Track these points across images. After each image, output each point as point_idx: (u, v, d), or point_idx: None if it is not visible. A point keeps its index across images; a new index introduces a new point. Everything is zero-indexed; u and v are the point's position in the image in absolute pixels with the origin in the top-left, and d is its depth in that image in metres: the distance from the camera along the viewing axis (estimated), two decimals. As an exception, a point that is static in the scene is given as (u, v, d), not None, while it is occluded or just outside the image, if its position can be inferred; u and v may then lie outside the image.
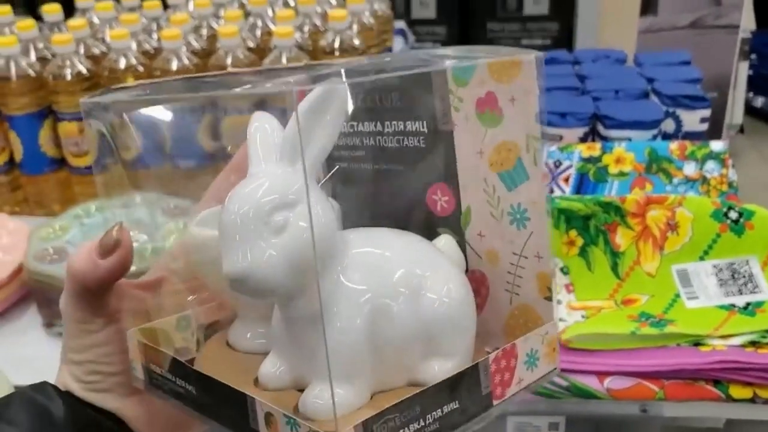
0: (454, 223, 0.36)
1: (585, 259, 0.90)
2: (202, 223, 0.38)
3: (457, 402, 0.30)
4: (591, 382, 0.79)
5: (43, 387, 0.38)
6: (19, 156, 1.17)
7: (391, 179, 0.32)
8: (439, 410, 0.29)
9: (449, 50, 0.34)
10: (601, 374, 0.79)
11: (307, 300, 0.30)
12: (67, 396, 0.38)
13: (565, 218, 0.89)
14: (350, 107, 0.30)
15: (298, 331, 0.31)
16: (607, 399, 0.79)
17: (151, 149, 0.45)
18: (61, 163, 1.19)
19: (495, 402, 0.32)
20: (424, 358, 0.32)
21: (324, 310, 0.29)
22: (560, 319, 0.85)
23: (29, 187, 1.20)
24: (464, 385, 0.30)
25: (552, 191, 1.06)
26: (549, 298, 0.35)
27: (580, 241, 0.90)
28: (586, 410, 0.83)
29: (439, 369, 0.32)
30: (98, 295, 0.38)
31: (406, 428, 0.28)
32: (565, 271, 0.90)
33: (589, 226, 0.90)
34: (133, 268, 0.38)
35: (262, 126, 0.32)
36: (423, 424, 0.28)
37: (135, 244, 0.37)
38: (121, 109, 0.38)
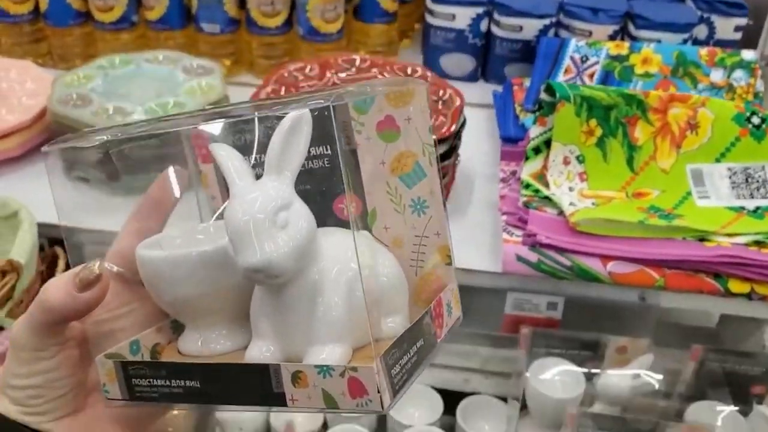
0: (362, 224, 0.45)
1: (602, 149, 0.90)
2: (149, 247, 0.42)
3: (422, 340, 0.39)
4: (594, 265, 0.81)
5: None
6: (44, 5, 1.16)
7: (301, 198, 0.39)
8: (415, 346, 0.38)
9: (353, 87, 0.41)
10: (605, 258, 0.81)
11: (303, 281, 0.37)
12: None
13: (587, 106, 0.89)
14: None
15: (292, 310, 0.37)
16: (609, 282, 0.81)
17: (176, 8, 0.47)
18: (86, 16, 1.18)
19: (438, 340, 0.41)
20: (380, 319, 0.40)
21: (314, 290, 0.37)
22: (570, 203, 0.86)
23: (53, 39, 1.20)
24: (423, 327, 0.39)
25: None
26: (449, 264, 0.44)
27: (598, 132, 0.90)
28: (585, 293, 0.85)
29: (397, 322, 0.41)
30: (62, 325, 0.40)
31: (401, 359, 0.37)
32: (580, 159, 0.90)
33: (610, 117, 0.90)
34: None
35: (229, 154, 0.38)
36: (409, 356, 0.37)
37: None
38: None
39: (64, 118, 0.92)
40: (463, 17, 1.16)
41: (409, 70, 0.98)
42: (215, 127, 0.42)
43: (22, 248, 0.76)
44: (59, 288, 0.38)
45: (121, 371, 0.40)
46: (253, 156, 0.42)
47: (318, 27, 1.14)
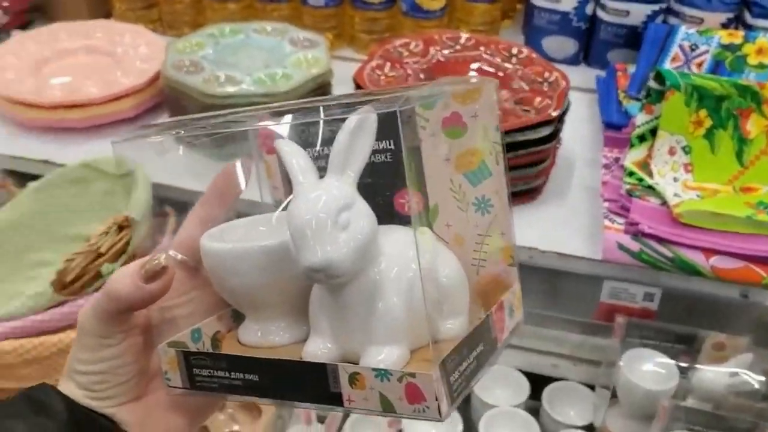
0: (423, 220, 0.44)
1: (710, 141, 0.88)
2: (213, 237, 0.43)
3: (482, 344, 0.38)
4: (697, 258, 0.79)
5: (43, 387, 0.41)
6: (157, -27, 1.20)
7: (360, 191, 0.37)
8: (475, 351, 0.38)
9: (420, 89, 0.40)
10: (709, 251, 0.79)
11: (362, 280, 0.37)
12: (66, 396, 0.41)
13: (698, 96, 0.87)
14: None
15: (351, 309, 0.37)
16: (711, 277, 0.79)
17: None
18: (197, -15, 1.22)
19: (498, 345, 0.40)
20: (439, 321, 0.39)
21: (373, 290, 0.37)
22: (674, 194, 0.84)
23: (164, 6, 1.24)
24: (484, 331, 0.39)
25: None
26: (512, 265, 0.44)
27: (708, 123, 0.88)
28: (685, 286, 0.83)
29: (457, 324, 0.39)
30: (128, 314, 0.41)
31: (460, 365, 0.36)
32: (686, 150, 0.88)
33: (721, 108, 0.87)
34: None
35: (293, 150, 0.39)
36: (468, 362, 0.37)
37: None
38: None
39: (176, 83, 0.95)
40: (569, 0, 1.15)
41: (514, 50, 0.97)
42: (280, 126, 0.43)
43: (137, 206, 0.80)
44: (126, 278, 0.40)
45: (182, 360, 0.41)
46: (317, 148, 0.43)
47: (421, 3, 1.14)
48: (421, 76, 0.93)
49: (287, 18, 1.20)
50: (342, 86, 1.01)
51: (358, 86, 0.90)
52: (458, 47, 0.98)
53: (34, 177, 0.94)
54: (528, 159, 0.86)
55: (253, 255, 0.41)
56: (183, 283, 0.43)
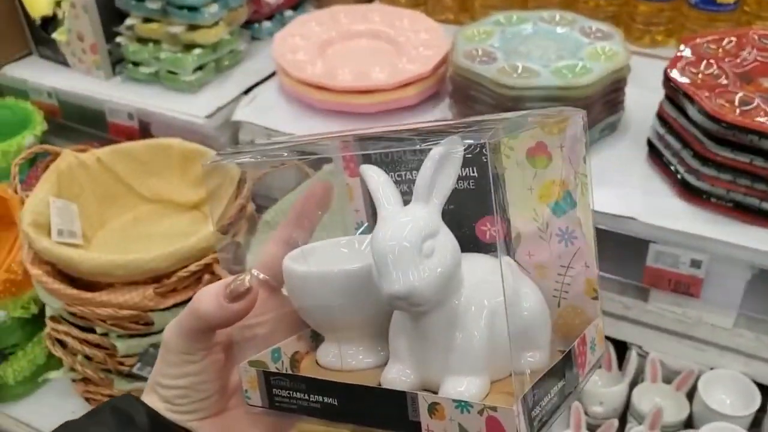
0: (506, 249, 0.42)
1: None
2: (295, 259, 0.44)
3: (564, 380, 0.38)
4: None
5: (128, 398, 0.42)
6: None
7: (443, 218, 0.37)
8: (556, 386, 0.37)
9: (509, 117, 0.40)
10: None
11: (444, 309, 0.37)
12: (149, 408, 0.42)
13: None
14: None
15: (431, 338, 0.37)
16: None
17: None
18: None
19: (580, 379, 0.40)
20: (520, 353, 0.39)
21: (455, 319, 0.37)
22: None
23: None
24: (567, 365, 0.38)
25: None
26: (595, 298, 0.42)
27: None
28: None
29: (537, 357, 0.39)
30: (212, 332, 0.41)
31: (542, 400, 0.35)
32: None
33: None
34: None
35: (379, 178, 0.39)
36: (549, 397, 0.36)
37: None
38: None
39: (468, 72, 0.94)
40: None
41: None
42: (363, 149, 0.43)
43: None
44: (211, 297, 0.40)
45: (263, 380, 0.42)
46: (401, 173, 0.43)
47: (715, -5, 1.07)
48: (737, 79, 0.86)
49: (559, 5, 1.16)
50: (639, 82, 0.96)
51: (670, 83, 0.85)
52: (776, 46, 0.90)
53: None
54: None
55: (335, 279, 0.41)
56: (264, 303, 0.44)
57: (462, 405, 0.35)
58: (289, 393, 0.41)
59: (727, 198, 0.81)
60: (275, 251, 0.45)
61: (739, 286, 0.83)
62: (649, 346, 0.97)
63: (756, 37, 0.92)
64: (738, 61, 0.89)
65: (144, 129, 1.13)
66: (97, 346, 0.89)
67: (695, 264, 0.82)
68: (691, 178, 0.83)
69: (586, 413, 0.94)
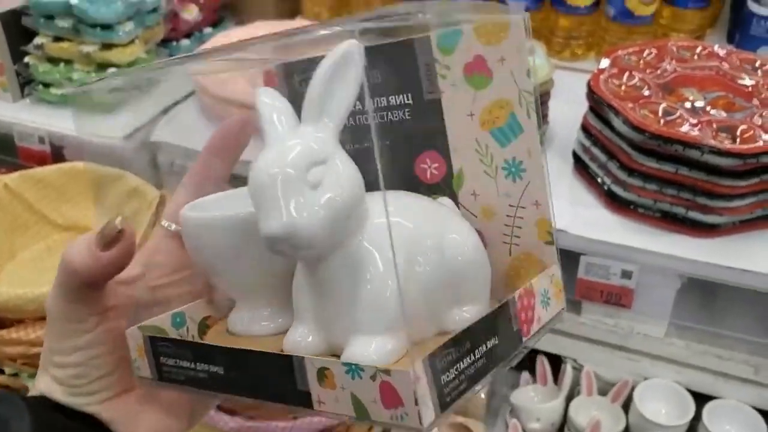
0: (446, 188, 0.37)
1: None
2: (196, 210, 0.37)
3: (496, 338, 0.31)
4: None
5: (8, 399, 0.35)
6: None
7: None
8: (483, 345, 0.31)
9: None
10: None
11: (343, 257, 0.30)
12: (36, 405, 0.35)
13: None
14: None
15: (334, 292, 0.31)
16: None
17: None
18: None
19: (524, 339, 0.33)
20: (449, 308, 0.33)
21: (359, 266, 0.30)
22: None
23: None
24: (500, 322, 0.32)
25: None
26: (550, 242, 0.36)
27: None
28: None
29: (473, 313, 0.33)
30: (94, 290, 0.35)
31: (460, 362, 0.29)
32: None
33: None
34: None
35: (272, 102, 0.32)
36: (473, 358, 0.30)
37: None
38: None
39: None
40: (795, 7, 1.07)
41: (757, 63, 0.90)
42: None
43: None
44: (81, 248, 0.34)
45: (149, 347, 0.35)
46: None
47: (633, 9, 1.08)
48: (660, 90, 0.87)
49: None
50: (561, 95, 0.96)
51: (594, 95, 0.85)
52: (695, 57, 0.92)
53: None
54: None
55: (223, 225, 0.35)
56: (176, 259, 0.38)
57: (353, 369, 0.28)
58: (175, 362, 0.34)
59: (654, 208, 0.81)
60: (184, 198, 0.39)
61: (669, 295, 0.84)
62: (583, 358, 0.97)
63: (675, 49, 0.93)
64: (659, 72, 0.90)
65: (57, 153, 1.07)
66: (6, 387, 0.83)
67: (626, 275, 0.82)
68: (618, 189, 0.83)
69: (523, 430, 0.93)
